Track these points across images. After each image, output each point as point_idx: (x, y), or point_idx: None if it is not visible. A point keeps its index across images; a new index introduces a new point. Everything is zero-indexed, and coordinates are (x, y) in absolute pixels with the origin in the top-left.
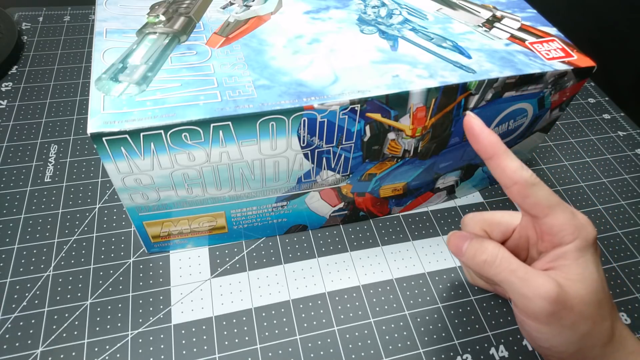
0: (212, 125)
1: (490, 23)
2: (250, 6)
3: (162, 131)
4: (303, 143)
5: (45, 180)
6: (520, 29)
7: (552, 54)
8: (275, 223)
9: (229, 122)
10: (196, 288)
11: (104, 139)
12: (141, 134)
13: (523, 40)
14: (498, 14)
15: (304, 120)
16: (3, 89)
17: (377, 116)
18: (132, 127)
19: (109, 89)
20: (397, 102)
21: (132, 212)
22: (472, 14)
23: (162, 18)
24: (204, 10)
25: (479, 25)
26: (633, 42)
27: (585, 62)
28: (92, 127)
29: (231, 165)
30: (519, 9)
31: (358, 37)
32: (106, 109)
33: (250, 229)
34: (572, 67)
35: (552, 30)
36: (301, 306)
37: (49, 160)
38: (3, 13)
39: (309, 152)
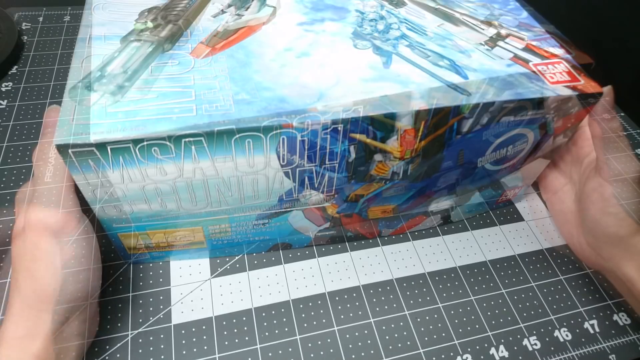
0: (183, 140)
1: (494, 41)
2: (243, 15)
3: (130, 145)
4: (283, 161)
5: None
6: (525, 49)
7: (557, 77)
8: (257, 240)
9: (202, 138)
10: (196, 288)
11: (69, 150)
12: (108, 147)
13: (527, 62)
14: (503, 32)
15: (283, 139)
16: (3, 89)
17: (362, 137)
18: (98, 139)
19: (82, 98)
20: (382, 124)
21: (106, 223)
22: (475, 30)
23: (150, 25)
24: (195, 18)
25: (481, 44)
26: (633, 42)
27: (593, 87)
28: (58, 139)
29: (206, 181)
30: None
31: (350, 52)
32: (76, 120)
33: (230, 245)
34: (576, 93)
35: (559, 52)
36: (301, 306)
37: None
38: (3, 13)
39: (289, 170)
